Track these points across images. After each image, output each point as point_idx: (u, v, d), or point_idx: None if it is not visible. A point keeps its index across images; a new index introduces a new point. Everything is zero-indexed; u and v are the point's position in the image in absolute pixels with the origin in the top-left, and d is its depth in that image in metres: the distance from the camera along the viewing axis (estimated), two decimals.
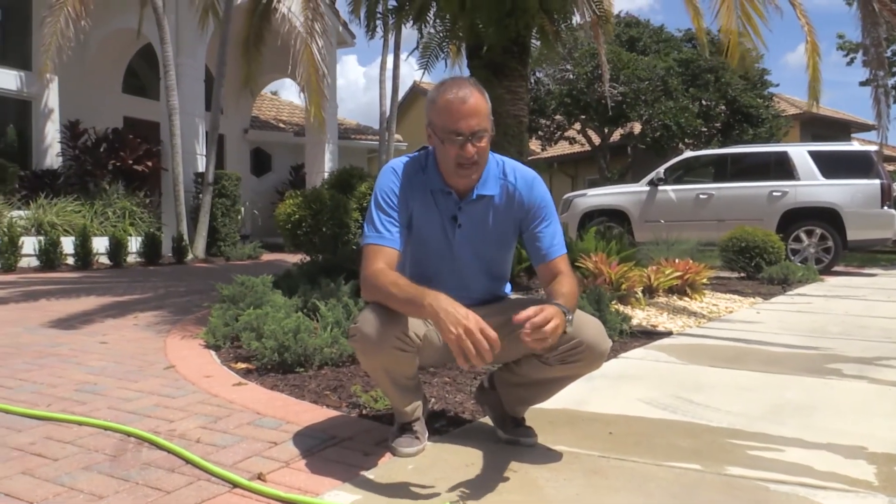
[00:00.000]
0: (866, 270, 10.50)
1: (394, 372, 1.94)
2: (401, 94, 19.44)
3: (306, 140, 15.72)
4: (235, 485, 1.79)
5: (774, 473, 1.97)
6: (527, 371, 2.06)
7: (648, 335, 4.29)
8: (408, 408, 2.05)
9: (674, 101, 18.18)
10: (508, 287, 2.22)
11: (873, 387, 3.06)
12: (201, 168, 12.16)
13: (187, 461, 1.96)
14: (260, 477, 1.85)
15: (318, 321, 3.50)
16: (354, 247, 5.13)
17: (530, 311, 1.68)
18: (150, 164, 12.01)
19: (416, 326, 1.92)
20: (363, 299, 1.94)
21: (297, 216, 5.24)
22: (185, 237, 10.86)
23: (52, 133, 11.94)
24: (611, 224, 9.90)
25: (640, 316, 4.89)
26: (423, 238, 2.04)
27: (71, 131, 12.02)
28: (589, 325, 1.93)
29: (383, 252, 1.92)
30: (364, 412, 2.49)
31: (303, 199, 5.29)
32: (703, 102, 19.01)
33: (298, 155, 17.45)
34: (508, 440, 2.15)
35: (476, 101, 1.86)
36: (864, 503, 1.77)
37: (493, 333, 1.62)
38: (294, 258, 8.97)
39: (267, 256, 12.24)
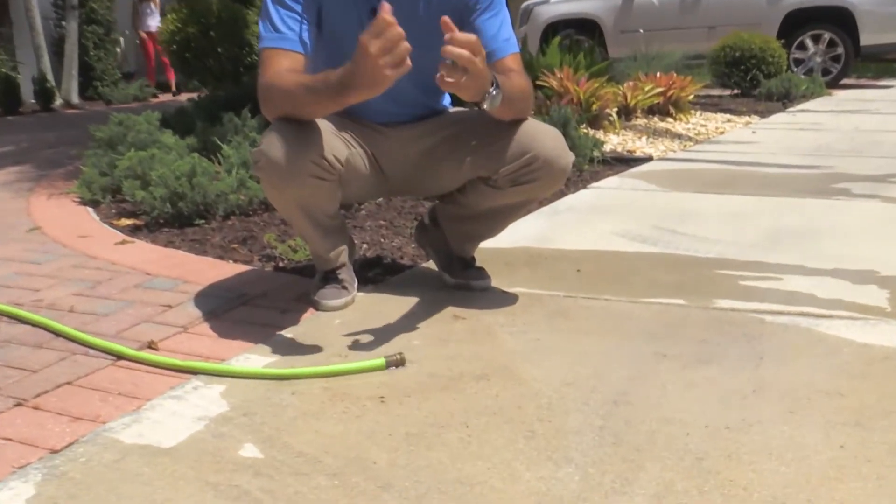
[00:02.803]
0: (881, 82, 10.62)
1: (312, 208, 1.88)
2: None
3: None
4: (119, 356, 1.74)
5: (771, 304, 2.00)
6: (473, 200, 2.02)
7: (624, 162, 4.28)
8: (331, 253, 2.02)
9: None
10: (447, 99, 2.12)
11: (887, 206, 3.11)
12: None
13: (58, 334, 1.88)
14: (151, 346, 1.80)
15: (220, 164, 3.38)
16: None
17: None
18: None
19: (336, 149, 1.83)
20: (266, 116, 1.82)
21: (183, 34, 4.94)
22: (50, 77, 10.26)
23: None
24: (579, 37, 9.66)
25: (614, 141, 4.87)
26: (337, 37, 1.90)
27: None
28: (544, 136, 1.87)
29: (286, 56, 1.79)
30: (281, 265, 2.46)
31: (189, 13, 4.95)
32: None
33: None
34: (457, 285, 2.15)
35: None
36: (876, 331, 1.80)
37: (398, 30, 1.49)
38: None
39: (163, 98, 11.74)
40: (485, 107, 1.71)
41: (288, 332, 1.86)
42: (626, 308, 1.99)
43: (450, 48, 1.53)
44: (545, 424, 1.38)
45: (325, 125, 1.84)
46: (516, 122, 1.88)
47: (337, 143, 1.85)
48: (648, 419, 1.39)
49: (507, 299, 2.06)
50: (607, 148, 4.54)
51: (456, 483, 1.20)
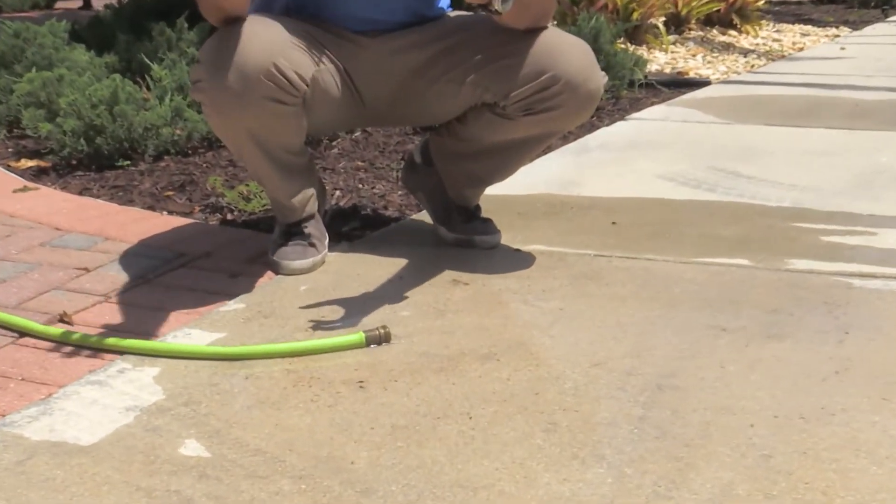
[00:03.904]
0: None
1: (269, 142, 1.89)
2: None
3: None
4: (23, 332, 1.75)
5: (860, 265, 2.02)
6: (477, 132, 2.02)
7: (675, 86, 4.27)
8: (295, 199, 2.02)
9: None
10: (445, 1, 2.11)
11: None
12: None
13: None
14: (63, 319, 1.81)
15: (148, 88, 3.37)
16: None
17: None
18: None
19: (300, 63, 1.83)
20: (208, 19, 1.83)
21: None
22: None
23: None
24: None
25: (661, 60, 4.86)
26: None
27: None
28: (569, 51, 1.87)
29: None
30: (229, 217, 2.46)
31: None
32: None
33: None
34: (457, 240, 2.16)
35: None
36: None
37: None
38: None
39: (71, 3, 11.65)
40: (495, 8, 1.70)
41: (239, 302, 1.87)
42: (673, 270, 2.00)
43: None
44: (569, 415, 1.40)
45: (284, 34, 1.84)
46: (533, 33, 1.87)
47: (300, 57, 1.84)
48: (701, 407, 1.41)
49: (521, 259, 2.07)
50: (652, 68, 4.53)
51: (455, 487, 1.22)
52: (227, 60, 1.75)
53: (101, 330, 1.76)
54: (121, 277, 2.03)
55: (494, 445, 1.31)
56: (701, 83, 4.39)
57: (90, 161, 2.99)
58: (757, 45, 5.66)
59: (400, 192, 2.62)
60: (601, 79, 1.91)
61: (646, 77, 4.28)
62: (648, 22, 5.19)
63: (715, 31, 5.90)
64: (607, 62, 4.05)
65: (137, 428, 1.38)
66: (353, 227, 2.34)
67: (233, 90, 1.76)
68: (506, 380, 1.52)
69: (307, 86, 1.85)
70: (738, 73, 4.70)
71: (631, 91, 4.15)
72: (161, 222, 2.42)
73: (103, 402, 1.46)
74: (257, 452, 1.31)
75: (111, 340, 1.67)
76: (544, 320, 1.76)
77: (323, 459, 1.29)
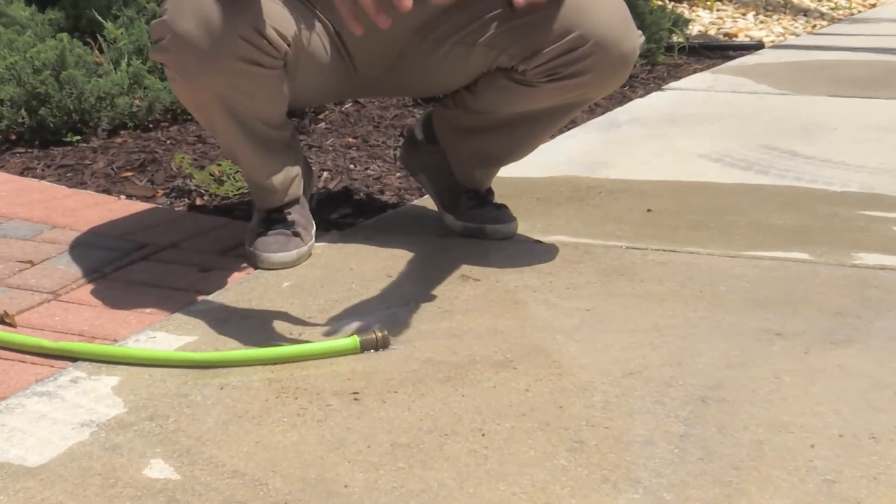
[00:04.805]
0: None
1: (244, 112, 1.90)
2: None
3: None
4: None
5: None
6: (490, 102, 2.03)
7: (720, 50, 4.27)
8: (276, 180, 2.03)
9: None
10: None
11: None
12: None
13: None
14: (3, 320, 1.82)
15: (101, 51, 3.38)
16: None
17: None
18: None
19: (281, 20, 1.84)
20: None
21: None
22: None
23: None
24: None
25: (705, 19, 4.86)
26: None
27: None
28: (599, 7, 1.88)
29: None
30: (199, 202, 2.47)
31: None
32: None
33: None
34: (465, 230, 2.17)
35: None
36: None
37: None
38: None
39: None
40: None
41: (213, 300, 1.88)
42: (720, 264, 2.01)
43: None
44: (599, 432, 1.41)
45: None
46: None
47: (280, 11, 1.85)
48: (753, 424, 1.42)
49: (542, 252, 2.08)
50: (694, 30, 4.52)
51: None
52: (195, 17, 1.75)
53: (50, 333, 1.76)
54: (71, 272, 2.03)
55: (511, 467, 1.32)
56: (752, 47, 4.38)
57: (33, 136, 3.00)
58: (819, 1, 5.64)
59: (398, 174, 2.63)
60: (637, 39, 1.92)
61: (687, 40, 4.27)
62: None
63: None
64: (641, 22, 4.03)
65: (94, 446, 1.39)
66: (343, 215, 2.34)
67: (201, 50, 1.76)
68: (524, 391, 1.53)
69: (288, 46, 1.85)
70: (797, 35, 4.69)
71: (669, 56, 4.15)
72: (118, 208, 2.42)
73: (53, 417, 1.47)
74: (235, 474, 1.32)
75: (61, 345, 1.68)
76: (568, 323, 1.77)
77: (311, 482, 1.30)
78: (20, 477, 1.32)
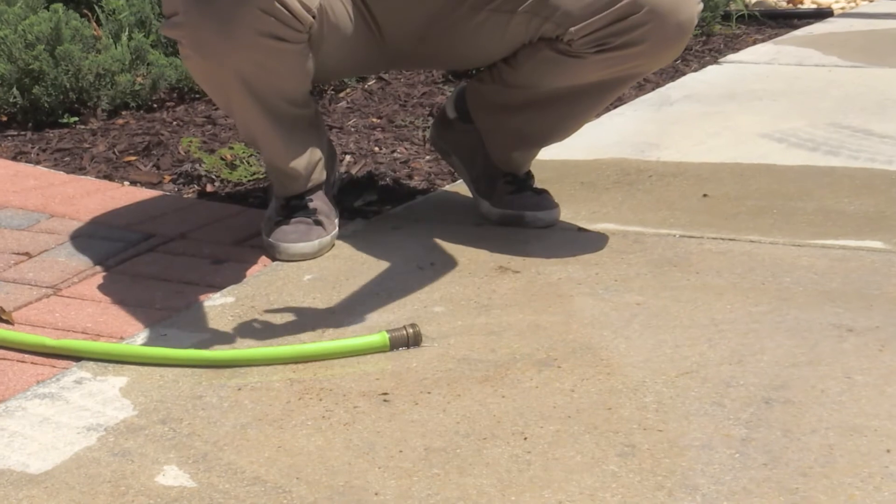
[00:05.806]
0: None
1: (266, 90, 1.91)
2: None
3: None
4: None
5: None
6: (530, 76, 2.03)
7: (784, 18, 4.24)
8: (298, 164, 2.04)
9: None
10: None
11: None
12: None
13: None
14: (1, 317, 1.83)
15: (100, 23, 3.39)
16: None
17: None
18: None
19: None
20: None
21: None
22: None
23: None
24: None
25: None
26: None
27: None
28: None
29: None
30: (210, 189, 2.48)
31: None
32: None
33: None
34: (503, 217, 2.18)
35: None
36: None
37: None
38: None
39: None
40: None
41: (227, 295, 1.89)
42: (784, 254, 2.01)
43: None
44: (652, 435, 1.42)
45: None
46: None
47: None
48: (822, 427, 1.42)
49: (587, 241, 2.08)
50: None
51: None
52: None
53: (51, 330, 1.77)
54: (72, 265, 2.05)
55: (557, 473, 1.33)
56: (820, 14, 4.35)
57: (26, 117, 3.01)
58: None
59: (428, 157, 2.63)
60: (696, 6, 1.92)
61: (746, 7, 4.25)
62: None
63: None
64: None
65: (102, 452, 1.40)
66: (368, 202, 2.35)
67: (218, 25, 1.77)
68: (569, 392, 1.54)
69: (314, 18, 1.85)
70: (870, 2, 4.66)
71: (726, 25, 4.13)
72: (121, 195, 2.43)
73: (56, 420, 1.49)
74: (255, 481, 1.33)
75: (64, 343, 1.69)
76: (617, 318, 1.78)
77: (339, 490, 1.31)
78: (23, 485, 1.33)
